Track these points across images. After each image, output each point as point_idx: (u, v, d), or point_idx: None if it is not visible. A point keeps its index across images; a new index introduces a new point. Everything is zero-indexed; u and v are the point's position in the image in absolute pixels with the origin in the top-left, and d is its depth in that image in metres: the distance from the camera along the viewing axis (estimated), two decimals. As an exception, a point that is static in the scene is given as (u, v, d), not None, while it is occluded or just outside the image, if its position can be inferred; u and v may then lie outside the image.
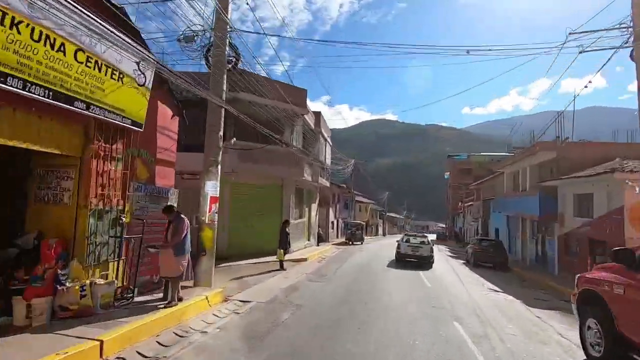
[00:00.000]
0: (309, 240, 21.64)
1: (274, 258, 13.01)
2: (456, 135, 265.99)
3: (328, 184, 24.14)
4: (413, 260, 16.19)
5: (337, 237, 34.77)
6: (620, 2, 9.26)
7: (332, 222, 32.56)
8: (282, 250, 12.51)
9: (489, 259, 18.89)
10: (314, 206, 23.01)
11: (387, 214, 79.58)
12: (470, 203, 42.36)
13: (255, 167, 14.21)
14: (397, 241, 18.05)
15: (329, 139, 22.76)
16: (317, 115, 19.72)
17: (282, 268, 12.33)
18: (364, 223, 31.93)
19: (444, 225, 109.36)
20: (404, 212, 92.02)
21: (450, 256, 27.72)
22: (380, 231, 64.13)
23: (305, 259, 15.44)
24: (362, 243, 30.80)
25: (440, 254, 29.10)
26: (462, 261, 22.62)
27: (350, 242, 29.26)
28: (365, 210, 49.92)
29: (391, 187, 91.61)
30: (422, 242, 16.99)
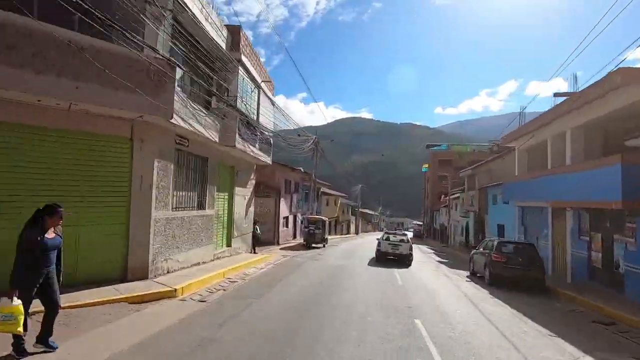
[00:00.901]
0: (229, 245, 13.34)
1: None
2: (430, 134, 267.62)
3: (269, 160, 15.92)
4: (393, 257, 15.97)
5: (295, 237, 26.58)
6: None
7: (286, 219, 24.37)
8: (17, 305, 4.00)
9: (520, 275, 11.39)
10: (242, 192, 14.73)
11: (361, 209, 72.33)
12: (456, 195, 35.34)
13: (36, 81, 5.86)
14: (378, 239, 17.41)
15: (266, 89, 14.48)
16: (236, 31, 11.33)
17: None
18: (327, 219, 23.90)
19: (420, 223, 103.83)
20: (379, 209, 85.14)
21: (441, 262, 20.18)
22: (353, 229, 56.62)
23: (172, 293, 7.15)
24: (324, 246, 22.81)
25: (426, 258, 21.65)
26: (462, 273, 15.10)
27: (308, 246, 21.20)
28: (335, 204, 42.10)
29: (367, 184, 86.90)
30: (402, 241, 16.82)
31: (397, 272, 13.44)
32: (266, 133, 14.71)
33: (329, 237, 35.00)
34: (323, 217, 23.84)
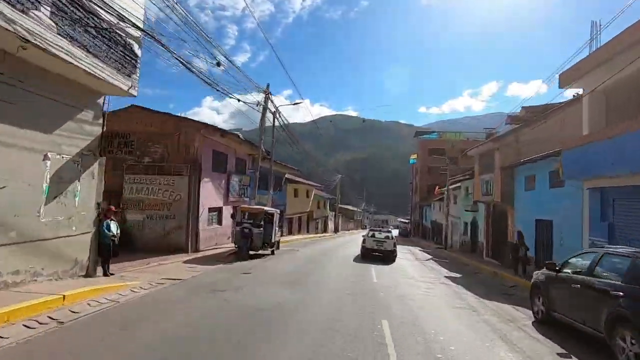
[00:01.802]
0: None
1: None
2: (414, 132, 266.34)
3: (122, 85, 7.56)
4: (378, 254, 15.60)
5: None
6: None
7: (217, 211, 16.04)
8: None
9: None
10: (40, 141, 6.33)
11: (342, 205, 64.47)
12: (456, 185, 27.70)
13: None
14: (363, 236, 16.96)
15: None
16: None
17: None
18: (276, 212, 15.57)
19: (406, 220, 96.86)
20: (362, 204, 77.46)
21: (450, 277, 12.36)
22: (332, 226, 48.68)
23: None
24: (272, 252, 14.70)
25: (427, 271, 13.95)
26: (504, 308, 7.27)
27: (242, 254, 12.81)
28: (307, 196, 33.92)
29: (351, 181, 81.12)
30: (387, 237, 16.37)
31: (391, 332, 5.41)
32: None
33: (294, 237, 27.15)
34: (269, 208, 15.59)
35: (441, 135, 50.30)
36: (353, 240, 27.59)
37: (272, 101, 16.40)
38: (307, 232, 34.53)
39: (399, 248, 17.60)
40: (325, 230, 40.93)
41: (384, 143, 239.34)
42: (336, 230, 44.42)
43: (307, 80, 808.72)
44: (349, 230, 60.23)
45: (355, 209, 67.68)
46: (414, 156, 56.30)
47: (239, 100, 13.82)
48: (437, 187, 32.59)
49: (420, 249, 28.28)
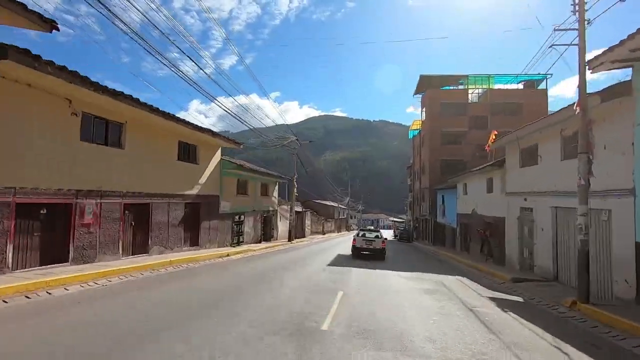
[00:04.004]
0: None
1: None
2: (403, 131, 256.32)
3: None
4: (367, 253, 15.55)
5: None
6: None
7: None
8: None
9: None
10: None
11: (320, 201, 46.30)
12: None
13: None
14: (354, 236, 16.81)
15: None
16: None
17: None
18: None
19: (399, 219, 78.99)
20: (347, 199, 59.20)
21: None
22: (309, 226, 30.58)
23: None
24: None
25: None
26: None
27: None
28: (195, 160, 15.76)
29: (339, 180, 68.09)
30: (377, 237, 16.39)
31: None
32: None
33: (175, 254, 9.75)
34: None
35: (461, 82, 32.49)
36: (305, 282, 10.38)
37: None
38: (205, 244, 16.32)
39: (410, 277, 10.00)
40: (271, 235, 22.41)
41: (372, 142, 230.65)
42: (292, 236, 23.44)
43: (295, 82, 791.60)
44: (326, 232, 42.01)
45: (334, 204, 49.35)
46: (416, 124, 38.46)
47: None
48: (493, 137, 14.37)
49: (462, 278, 10.62)
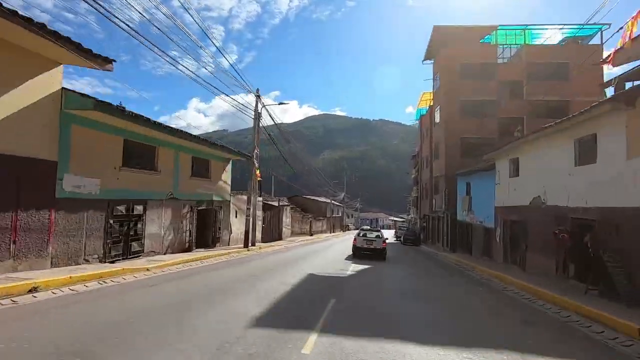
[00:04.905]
0: None
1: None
2: (403, 131, 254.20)
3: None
4: (368, 252, 15.48)
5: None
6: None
7: None
8: None
9: None
10: None
11: (310, 196, 38.72)
12: None
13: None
14: (355, 236, 17.09)
15: None
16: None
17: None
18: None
19: (402, 219, 71.28)
20: (342, 195, 51.34)
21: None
22: (288, 225, 22.98)
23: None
24: None
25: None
26: None
27: None
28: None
29: (339, 179, 62.22)
30: (377, 237, 16.41)
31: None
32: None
33: None
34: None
35: (487, 39, 24.69)
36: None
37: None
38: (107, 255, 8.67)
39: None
40: (204, 241, 14.37)
41: (372, 142, 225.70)
42: (248, 240, 15.39)
43: (295, 82, 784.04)
44: (311, 234, 34.27)
45: (326, 200, 41.61)
46: (425, 100, 30.79)
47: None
48: (632, 22, 6.89)
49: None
